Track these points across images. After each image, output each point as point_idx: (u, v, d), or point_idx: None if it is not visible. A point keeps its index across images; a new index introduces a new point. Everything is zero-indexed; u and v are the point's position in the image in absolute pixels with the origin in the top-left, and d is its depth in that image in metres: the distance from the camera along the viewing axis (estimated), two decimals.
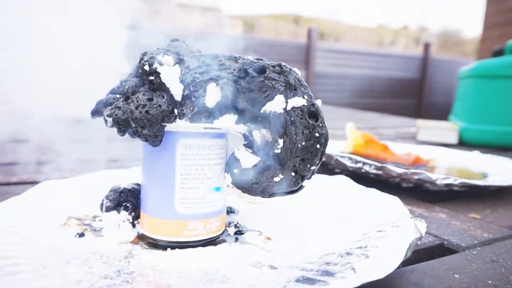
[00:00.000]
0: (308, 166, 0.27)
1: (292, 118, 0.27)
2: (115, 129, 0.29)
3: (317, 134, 0.27)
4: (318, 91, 4.23)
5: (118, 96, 0.30)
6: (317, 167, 0.28)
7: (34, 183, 0.41)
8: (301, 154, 0.27)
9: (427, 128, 1.00)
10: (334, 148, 0.66)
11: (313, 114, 0.28)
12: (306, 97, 0.28)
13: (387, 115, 1.88)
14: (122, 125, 0.28)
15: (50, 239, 0.28)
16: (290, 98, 0.27)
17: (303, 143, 0.27)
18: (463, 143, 0.96)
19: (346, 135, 0.67)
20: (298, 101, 0.27)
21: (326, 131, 0.28)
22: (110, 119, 0.28)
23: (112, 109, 0.28)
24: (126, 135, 0.29)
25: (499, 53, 1.10)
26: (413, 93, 5.25)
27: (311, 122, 0.27)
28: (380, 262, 0.21)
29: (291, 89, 0.28)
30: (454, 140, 0.96)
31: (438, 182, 0.45)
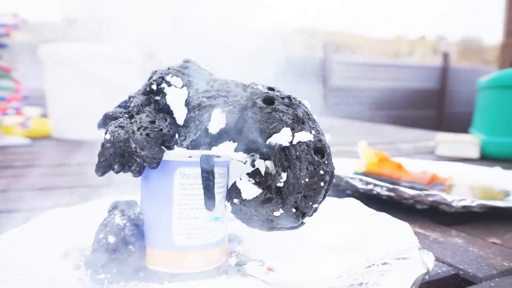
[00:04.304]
0: (310, 203, 0.26)
1: (297, 153, 0.26)
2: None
3: (321, 172, 0.26)
4: (335, 105, 4.20)
5: (124, 111, 0.30)
6: (320, 205, 0.27)
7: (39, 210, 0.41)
8: (303, 190, 0.26)
9: (446, 142, 0.97)
10: (348, 167, 0.64)
11: (319, 150, 0.27)
12: (313, 132, 0.27)
13: (405, 128, 1.83)
14: (123, 144, 0.27)
15: (48, 272, 0.28)
16: (297, 132, 0.26)
17: (307, 180, 0.26)
18: (485, 157, 0.92)
19: (359, 154, 0.65)
20: (304, 136, 0.26)
21: (332, 168, 0.27)
22: (108, 136, 0.28)
23: (116, 127, 0.28)
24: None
25: None
26: (433, 104, 5.15)
27: (316, 158, 0.26)
28: None
29: (298, 122, 0.27)
30: (475, 154, 0.93)
31: (454, 204, 0.43)
